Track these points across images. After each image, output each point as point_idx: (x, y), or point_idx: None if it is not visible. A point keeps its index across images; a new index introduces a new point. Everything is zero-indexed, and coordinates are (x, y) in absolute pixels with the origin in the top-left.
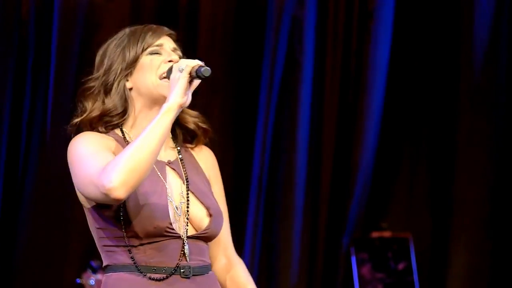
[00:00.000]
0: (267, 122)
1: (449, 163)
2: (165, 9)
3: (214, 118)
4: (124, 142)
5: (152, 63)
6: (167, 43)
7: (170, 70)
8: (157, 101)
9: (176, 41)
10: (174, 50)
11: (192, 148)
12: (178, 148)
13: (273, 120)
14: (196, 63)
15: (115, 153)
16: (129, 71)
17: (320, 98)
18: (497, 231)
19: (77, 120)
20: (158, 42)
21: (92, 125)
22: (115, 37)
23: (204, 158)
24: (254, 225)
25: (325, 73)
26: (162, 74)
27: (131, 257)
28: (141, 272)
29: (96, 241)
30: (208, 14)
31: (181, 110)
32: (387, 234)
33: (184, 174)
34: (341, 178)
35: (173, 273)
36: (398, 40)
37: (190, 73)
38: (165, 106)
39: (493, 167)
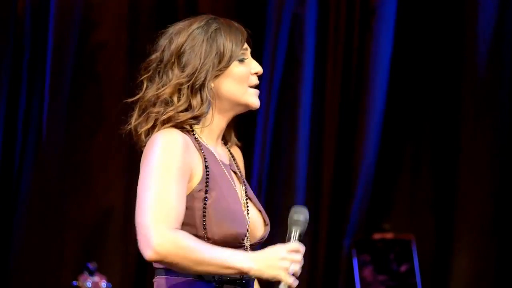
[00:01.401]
0: (267, 122)
1: (452, 163)
2: (163, 6)
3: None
4: (196, 143)
5: (243, 73)
6: (247, 47)
7: (291, 235)
8: (236, 108)
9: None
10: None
11: (230, 146)
12: (229, 148)
13: (273, 119)
14: (295, 268)
15: (193, 165)
16: (219, 73)
17: (321, 97)
18: (501, 232)
19: (168, 115)
20: (245, 47)
21: (174, 123)
22: (196, 25)
23: (238, 157)
24: None
25: (326, 71)
26: (255, 93)
27: None
28: (213, 279)
29: None
30: (206, 11)
31: (250, 272)
32: (389, 235)
33: (242, 177)
34: (342, 178)
35: (236, 285)
36: (400, 38)
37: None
38: (246, 264)
39: (498, 167)
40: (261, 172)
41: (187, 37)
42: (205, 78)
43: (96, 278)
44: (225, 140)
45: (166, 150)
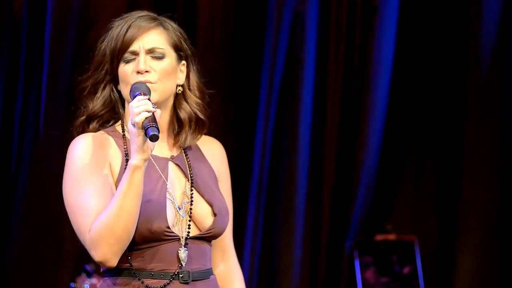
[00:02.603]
0: (268, 122)
1: (455, 163)
2: (162, 4)
3: (212, 117)
4: (121, 141)
5: (125, 74)
6: (142, 44)
7: (133, 93)
8: None
9: (160, 24)
10: (149, 52)
11: (200, 140)
12: (181, 143)
13: (273, 119)
14: (142, 117)
15: (112, 160)
16: (112, 75)
17: (322, 97)
18: (505, 233)
19: (78, 120)
20: (132, 48)
21: (89, 124)
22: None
23: (212, 151)
24: (254, 227)
25: (328, 70)
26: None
27: (129, 262)
28: (138, 278)
29: None
30: (206, 9)
31: (147, 162)
32: (391, 237)
33: (189, 170)
34: (344, 179)
35: (171, 279)
36: (403, 37)
37: (142, 128)
38: (131, 164)
39: (502, 167)
40: (261, 172)
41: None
42: (102, 83)
43: (94, 280)
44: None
45: (75, 156)
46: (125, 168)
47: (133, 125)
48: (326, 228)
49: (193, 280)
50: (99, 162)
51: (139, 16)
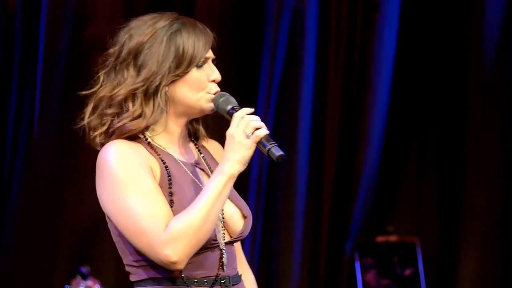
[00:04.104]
0: (267, 121)
1: (458, 164)
2: (159, 2)
3: (209, 115)
4: (150, 148)
5: (200, 80)
6: (210, 53)
7: (227, 112)
8: (191, 114)
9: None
10: (213, 61)
11: (201, 143)
12: (198, 146)
13: (272, 118)
14: (263, 132)
15: (151, 165)
16: (176, 79)
17: (322, 95)
18: (509, 235)
19: (124, 123)
20: (208, 54)
21: (125, 131)
22: (159, 25)
23: (216, 152)
24: (253, 229)
25: (328, 68)
26: (210, 98)
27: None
28: (187, 285)
29: (126, 255)
30: (204, 7)
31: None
32: (393, 238)
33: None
34: (344, 179)
35: (213, 285)
36: (404, 34)
37: (260, 143)
38: (229, 172)
39: (505, 168)
40: (260, 172)
41: (147, 37)
42: (160, 84)
43: (89, 282)
44: (196, 136)
45: (121, 162)
46: (168, 176)
47: (248, 137)
48: (326, 230)
49: (232, 285)
50: (143, 166)
51: (195, 20)
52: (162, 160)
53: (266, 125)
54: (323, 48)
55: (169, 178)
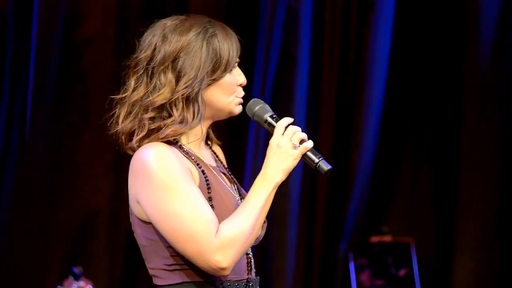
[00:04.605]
0: None
1: (453, 164)
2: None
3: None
4: (184, 152)
5: (230, 84)
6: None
7: (270, 124)
8: (217, 117)
9: None
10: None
11: (212, 146)
12: (212, 148)
13: None
14: (310, 144)
15: (191, 169)
16: (212, 83)
17: (316, 95)
18: (504, 235)
19: (169, 128)
20: (238, 59)
21: (165, 135)
22: (194, 31)
23: (221, 155)
24: None
25: (322, 68)
26: (238, 102)
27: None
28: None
29: (157, 259)
30: (198, 6)
31: None
32: (387, 238)
33: (232, 179)
34: (339, 179)
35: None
36: (399, 33)
37: (305, 155)
38: (275, 181)
39: (500, 168)
40: (254, 172)
41: (186, 41)
42: (199, 89)
43: (81, 283)
44: (206, 140)
45: (164, 165)
46: (206, 180)
47: (296, 147)
48: (320, 230)
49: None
50: (185, 171)
51: (223, 23)
52: (197, 164)
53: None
54: (317, 47)
55: (207, 182)
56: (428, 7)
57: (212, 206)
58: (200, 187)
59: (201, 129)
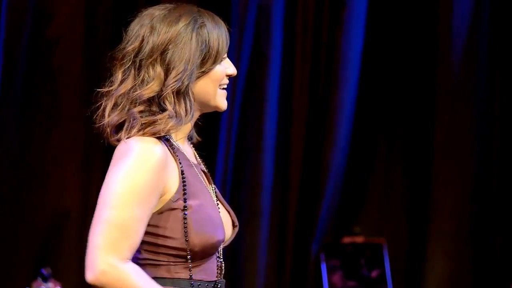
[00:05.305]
0: (232, 120)
1: (426, 164)
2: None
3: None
4: (170, 148)
5: (220, 74)
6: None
7: None
8: (205, 109)
9: None
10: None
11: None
12: (193, 144)
13: (237, 117)
14: None
15: (168, 181)
16: (201, 75)
17: (288, 94)
18: (476, 236)
19: (163, 123)
20: (227, 49)
21: (157, 130)
22: (184, 21)
23: (194, 150)
24: None
25: (294, 66)
26: (224, 94)
27: (189, 273)
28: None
29: (137, 254)
30: (168, 3)
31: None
32: (359, 239)
33: (210, 177)
34: (310, 179)
35: None
36: (371, 32)
37: None
38: None
39: (473, 168)
40: (225, 172)
41: (174, 33)
42: (189, 82)
43: (50, 285)
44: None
45: (140, 166)
46: (183, 184)
47: None
48: (292, 230)
49: None
50: (158, 184)
51: (212, 13)
52: (180, 163)
53: (232, 124)
54: (289, 46)
55: (183, 182)
56: (400, 7)
57: (185, 207)
58: (177, 188)
59: (191, 125)
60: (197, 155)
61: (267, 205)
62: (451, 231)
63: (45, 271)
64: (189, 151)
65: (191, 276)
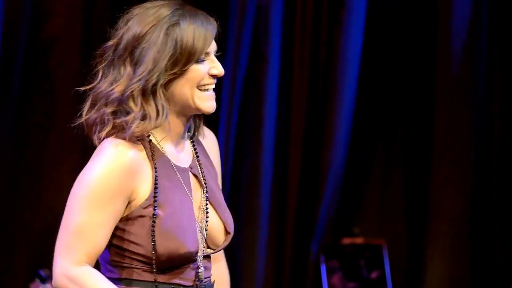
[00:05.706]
0: (230, 120)
1: (425, 164)
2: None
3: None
4: (149, 151)
5: (198, 74)
6: (212, 46)
7: None
8: (187, 111)
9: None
10: (214, 54)
11: (201, 136)
12: (194, 144)
13: (236, 118)
14: None
15: (138, 186)
16: (174, 76)
17: (287, 94)
18: (476, 236)
19: (131, 126)
20: (210, 49)
21: (130, 133)
22: (159, 15)
23: (211, 145)
24: None
25: (293, 67)
26: (205, 95)
27: (154, 278)
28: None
29: (105, 253)
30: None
31: None
32: (359, 240)
33: (203, 180)
34: (309, 180)
35: None
36: (371, 32)
37: None
38: None
39: (472, 168)
40: (224, 173)
41: (145, 30)
42: (157, 83)
43: (48, 286)
44: (195, 132)
45: (104, 170)
46: (155, 191)
47: None
48: (291, 231)
49: None
50: (125, 189)
51: (197, 9)
52: (155, 168)
53: (230, 124)
54: (288, 46)
55: (155, 189)
56: (399, 7)
57: (154, 215)
58: (149, 195)
59: (169, 125)
60: (200, 156)
61: (266, 206)
62: (450, 232)
63: (43, 273)
64: (180, 151)
65: (155, 279)
